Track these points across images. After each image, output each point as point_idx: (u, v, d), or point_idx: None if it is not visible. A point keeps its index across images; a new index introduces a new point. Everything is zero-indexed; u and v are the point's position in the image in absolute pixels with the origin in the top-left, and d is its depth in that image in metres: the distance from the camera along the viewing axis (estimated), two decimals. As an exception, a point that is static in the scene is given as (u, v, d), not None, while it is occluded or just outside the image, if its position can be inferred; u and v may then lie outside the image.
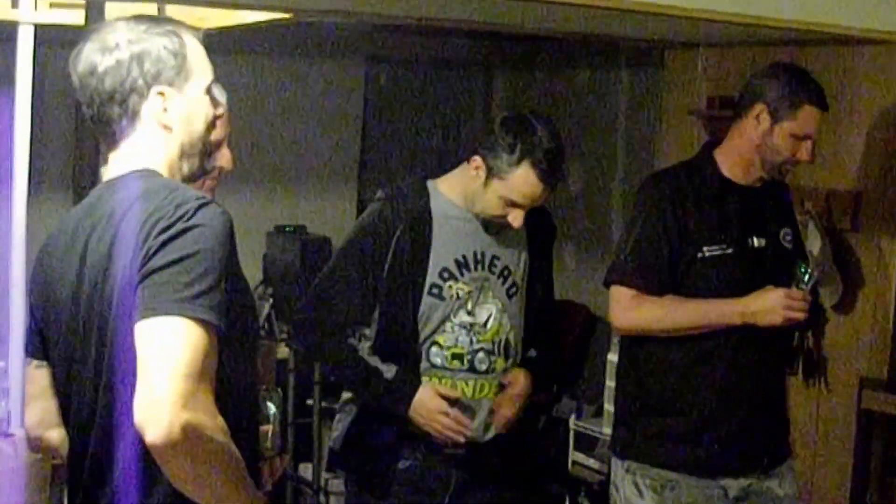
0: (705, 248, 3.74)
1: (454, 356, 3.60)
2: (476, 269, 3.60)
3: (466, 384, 3.62)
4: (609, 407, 5.61)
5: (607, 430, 5.61)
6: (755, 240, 3.80)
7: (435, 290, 3.56)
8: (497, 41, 8.07)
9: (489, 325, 3.62)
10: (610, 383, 5.60)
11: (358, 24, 6.70)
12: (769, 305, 3.67)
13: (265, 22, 5.28)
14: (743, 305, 3.70)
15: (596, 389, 6.05)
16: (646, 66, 6.96)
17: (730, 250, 3.75)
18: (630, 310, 3.81)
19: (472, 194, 3.57)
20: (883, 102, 4.99)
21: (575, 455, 5.96)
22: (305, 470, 6.26)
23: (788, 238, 3.90)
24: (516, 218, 3.53)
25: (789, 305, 3.67)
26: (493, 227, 3.61)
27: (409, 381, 3.54)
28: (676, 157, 6.04)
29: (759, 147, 3.78)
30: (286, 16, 5.08)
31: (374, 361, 3.54)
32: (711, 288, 3.74)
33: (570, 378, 7.39)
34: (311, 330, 3.62)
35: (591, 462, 5.89)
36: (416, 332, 3.56)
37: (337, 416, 3.77)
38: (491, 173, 3.50)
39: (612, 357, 5.60)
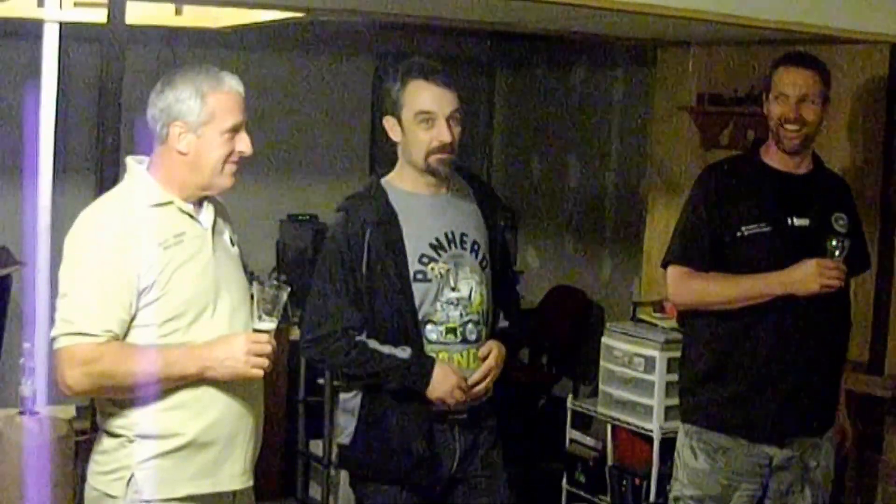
0: (744, 228, 3.88)
1: (448, 330, 3.65)
2: (450, 247, 3.66)
3: (461, 355, 3.66)
4: (604, 387, 5.63)
5: (602, 410, 5.64)
6: (796, 219, 3.89)
7: (420, 276, 3.61)
8: (499, 40, 8.09)
9: (473, 298, 3.68)
10: (604, 364, 5.61)
11: (367, 22, 6.71)
12: (805, 275, 3.78)
13: (278, 20, 5.30)
14: (782, 276, 3.82)
15: (591, 371, 6.06)
16: (639, 64, 6.98)
17: (767, 228, 3.87)
18: (680, 286, 4.01)
19: (408, 154, 3.66)
20: (863, 99, 5.00)
21: (572, 433, 5.96)
22: (316, 446, 6.28)
23: (842, 222, 3.97)
24: (440, 131, 3.56)
25: (823, 274, 3.77)
26: (442, 173, 3.64)
27: (424, 359, 3.60)
28: (668, 151, 6.09)
29: (769, 126, 3.93)
30: (298, 14, 5.09)
31: (388, 349, 3.59)
32: (753, 263, 3.87)
33: (566, 360, 7.43)
34: (318, 341, 3.64)
35: (588, 440, 5.89)
36: (415, 319, 3.61)
37: (340, 421, 3.80)
38: (400, 117, 3.62)
39: (607, 340, 5.62)
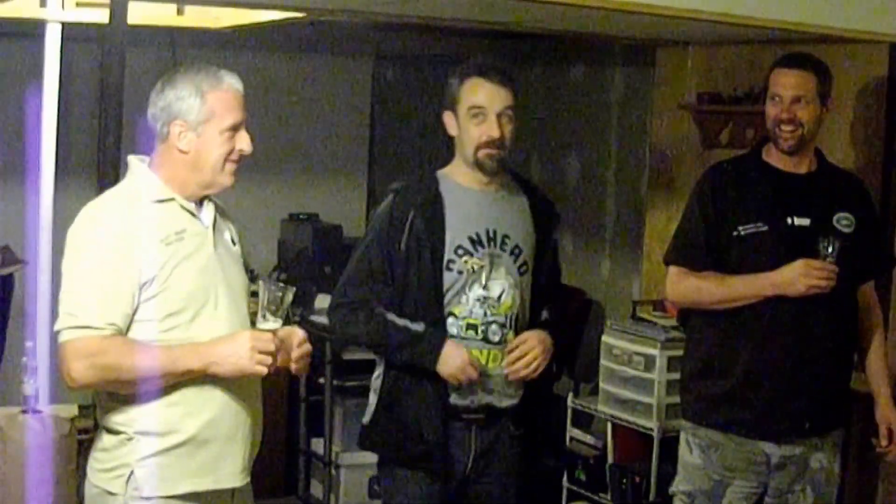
0: (741, 228, 3.89)
1: (468, 326, 3.66)
2: (489, 245, 3.67)
3: (480, 353, 3.67)
4: (604, 385, 5.63)
5: (602, 408, 5.64)
6: (796, 219, 3.88)
7: (452, 266, 3.63)
8: (497, 39, 8.07)
9: (502, 300, 3.68)
10: (604, 363, 5.62)
11: (366, 22, 6.71)
12: (792, 275, 3.78)
13: (278, 20, 5.30)
14: (771, 277, 3.82)
15: (591, 369, 6.05)
16: (638, 63, 6.97)
17: (764, 228, 3.87)
18: (676, 285, 4.05)
19: (461, 148, 3.71)
20: (863, 99, 5.00)
21: (572, 431, 5.97)
22: (317, 445, 6.28)
23: (845, 222, 3.94)
24: (490, 126, 3.63)
25: (808, 274, 3.76)
26: (489, 169, 3.69)
27: (437, 334, 3.62)
28: (666, 150, 6.09)
29: (767, 126, 3.94)
30: (299, 14, 5.09)
31: (403, 322, 3.64)
32: (752, 263, 3.87)
33: (567, 358, 7.42)
34: (340, 308, 3.72)
35: (588, 438, 5.90)
36: (440, 305, 3.64)
37: (369, 400, 3.84)
38: (457, 113, 3.68)
39: (607, 338, 5.62)
